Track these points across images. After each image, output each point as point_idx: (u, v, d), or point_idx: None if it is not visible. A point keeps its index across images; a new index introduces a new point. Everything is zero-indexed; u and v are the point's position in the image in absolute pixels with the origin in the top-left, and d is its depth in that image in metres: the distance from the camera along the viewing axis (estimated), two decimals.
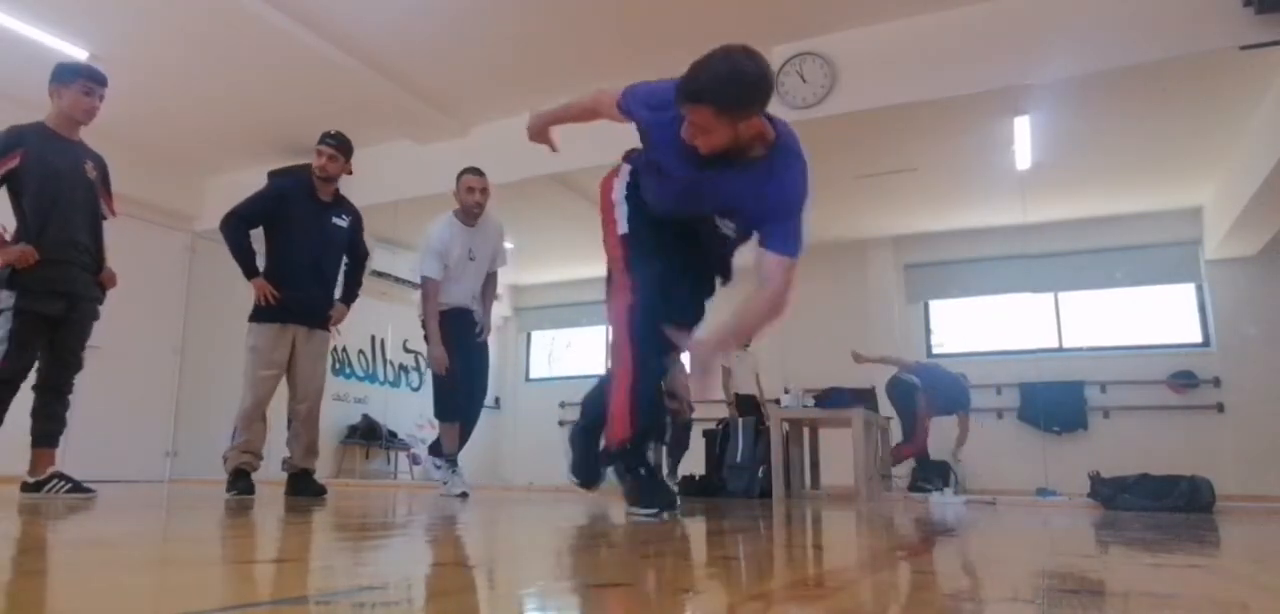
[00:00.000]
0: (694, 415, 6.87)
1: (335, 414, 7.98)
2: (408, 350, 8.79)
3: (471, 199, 4.29)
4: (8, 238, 3.35)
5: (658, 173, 2.46)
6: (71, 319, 3.46)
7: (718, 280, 2.64)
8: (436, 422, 4.42)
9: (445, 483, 4.34)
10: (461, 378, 4.28)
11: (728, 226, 2.43)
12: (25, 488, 3.28)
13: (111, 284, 3.66)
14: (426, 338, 4.31)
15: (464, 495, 4.17)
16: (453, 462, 4.35)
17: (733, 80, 2.12)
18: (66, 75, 3.50)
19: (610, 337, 2.65)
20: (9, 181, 3.35)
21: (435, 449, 4.46)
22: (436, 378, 4.30)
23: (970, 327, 7.12)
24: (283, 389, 3.97)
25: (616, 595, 0.99)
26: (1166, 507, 3.81)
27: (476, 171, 4.40)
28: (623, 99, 2.50)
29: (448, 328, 4.29)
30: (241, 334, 3.99)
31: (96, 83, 3.52)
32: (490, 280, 4.59)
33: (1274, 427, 5.54)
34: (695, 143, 2.21)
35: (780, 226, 2.31)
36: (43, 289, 3.34)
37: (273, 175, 4.93)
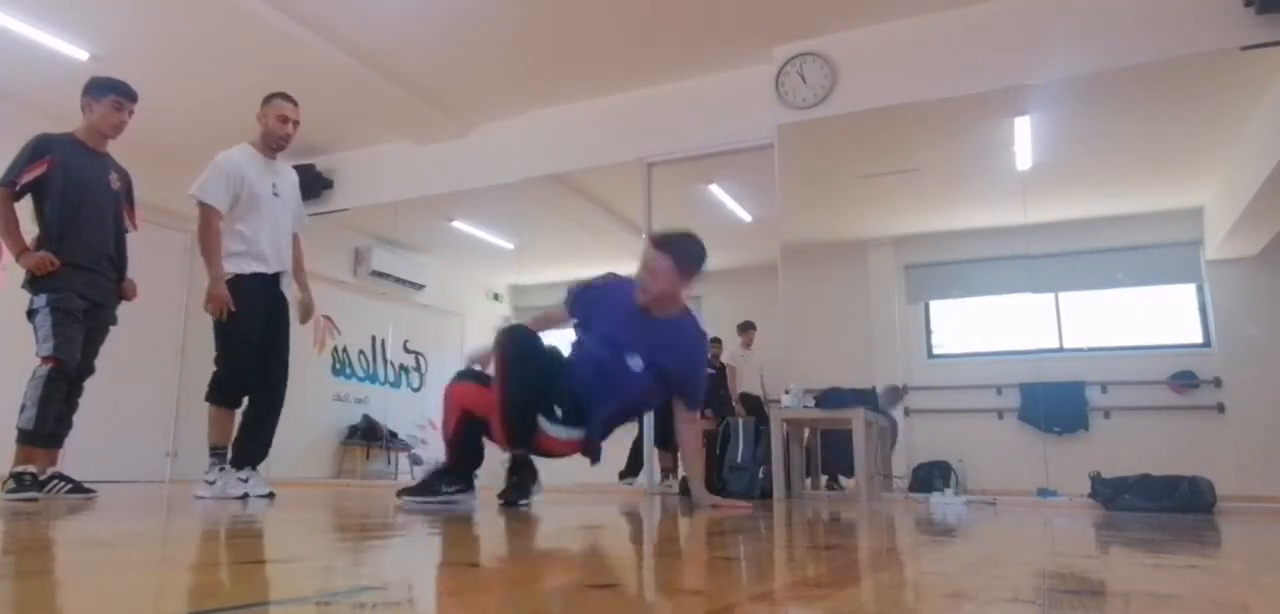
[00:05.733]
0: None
1: (335, 414, 7.99)
2: (408, 351, 8.80)
3: (284, 128, 3.71)
4: (29, 244, 3.41)
5: (605, 310, 3.19)
6: (90, 325, 3.51)
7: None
8: (209, 406, 3.61)
9: (212, 482, 3.50)
10: (265, 359, 3.59)
11: (636, 362, 3.00)
12: (9, 489, 3.27)
13: (132, 295, 3.73)
14: (213, 281, 3.51)
15: (245, 497, 3.44)
16: (223, 456, 3.54)
17: (696, 251, 3.07)
18: (99, 90, 3.59)
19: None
20: (34, 189, 3.40)
21: (210, 451, 3.58)
22: (227, 346, 3.54)
23: (970, 327, 7.11)
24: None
25: (616, 595, 0.99)
26: (1167, 507, 3.81)
27: (293, 100, 3.79)
28: (570, 299, 3.35)
29: (252, 295, 3.55)
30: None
31: (127, 99, 3.63)
32: (297, 243, 3.91)
33: (1275, 427, 5.54)
34: (644, 280, 3.02)
35: (694, 388, 3.16)
36: (70, 291, 3.41)
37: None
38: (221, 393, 3.60)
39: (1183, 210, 6.36)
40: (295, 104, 3.82)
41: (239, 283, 3.54)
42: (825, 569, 1.31)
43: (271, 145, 3.76)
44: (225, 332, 3.54)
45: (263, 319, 3.61)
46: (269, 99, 3.81)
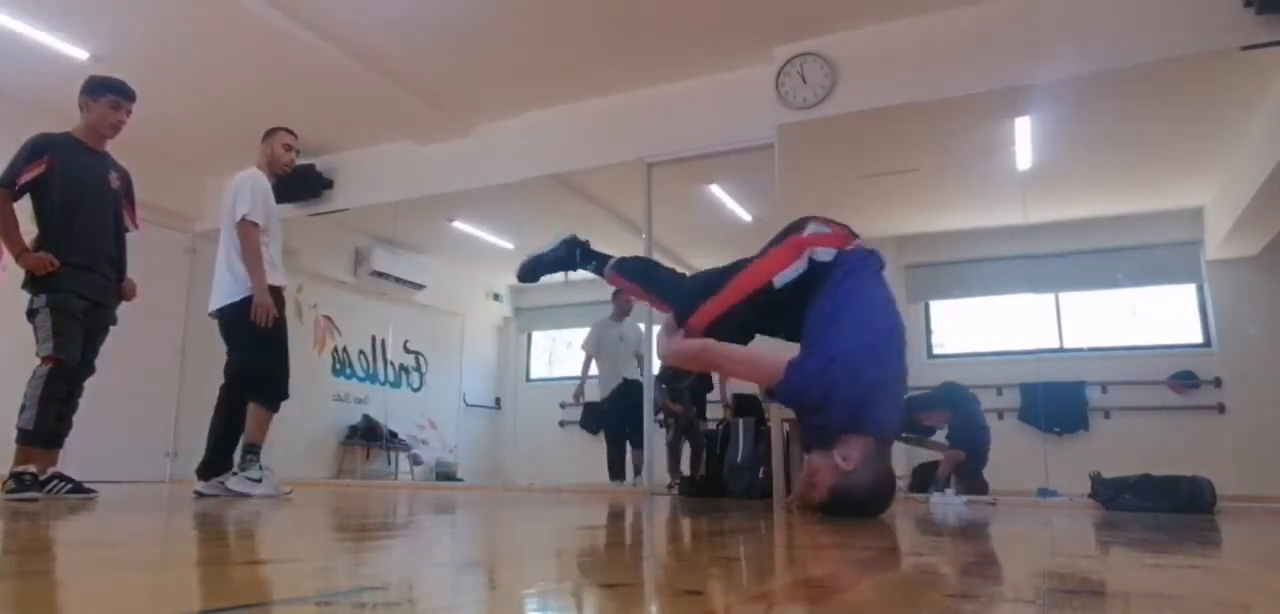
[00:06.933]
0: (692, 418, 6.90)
1: (336, 414, 7.99)
2: (408, 351, 8.80)
3: (289, 155, 4.09)
4: (29, 245, 3.41)
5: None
6: (90, 325, 3.51)
7: None
8: (263, 409, 3.82)
9: (261, 481, 3.74)
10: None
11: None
12: (9, 489, 3.26)
13: (132, 295, 3.74)
14: (260, 290, 3.75)
15: (289, 494, 3.79)
16: (259, 454, 3.79)
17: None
18: (97, 89, 3.58)
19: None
20: (33, 189, 3.40)
21: (253, 450, 3.78)
22: (273, 351, 3.83)
23: (970, 327, 7.11)
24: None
25: (616, 595, 0.99)
26: (1167, 507, 3.81)
27: (294, 133, 4.17)
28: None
29: (278, 306, 3.87)
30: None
31: (125, 98, 3.62)
32: None
33: (1275, 427, 5.53)
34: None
35: None
36: (70, 291, 3.40)
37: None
38: (271, 395, 3.83)
39: (1183, 210, 6.36)
40: (296, 135, 4.18)
41: (274, 293, 3.83)
42: (825, 569, 1.31)
43: (277, 172, 4.05)
44: (271, 338, 3.80)
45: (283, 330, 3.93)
46: (273, 132, 4.09)
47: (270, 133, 4.09)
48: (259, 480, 3.72)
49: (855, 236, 2.92)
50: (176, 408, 6.96)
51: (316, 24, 4.98)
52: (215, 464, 3.80)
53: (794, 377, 2.62)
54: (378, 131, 6.59)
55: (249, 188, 3.83)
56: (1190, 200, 6.32)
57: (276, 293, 3.85)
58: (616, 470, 6.41)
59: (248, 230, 3.75)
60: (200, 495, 3.70)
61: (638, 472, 6.24)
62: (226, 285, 3.81)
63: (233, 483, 3.71)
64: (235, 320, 3.77)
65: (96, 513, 2.50)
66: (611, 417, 6.53)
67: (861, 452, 2.53)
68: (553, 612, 0.91)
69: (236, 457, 3.81)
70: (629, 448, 6.37)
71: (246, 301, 3.73)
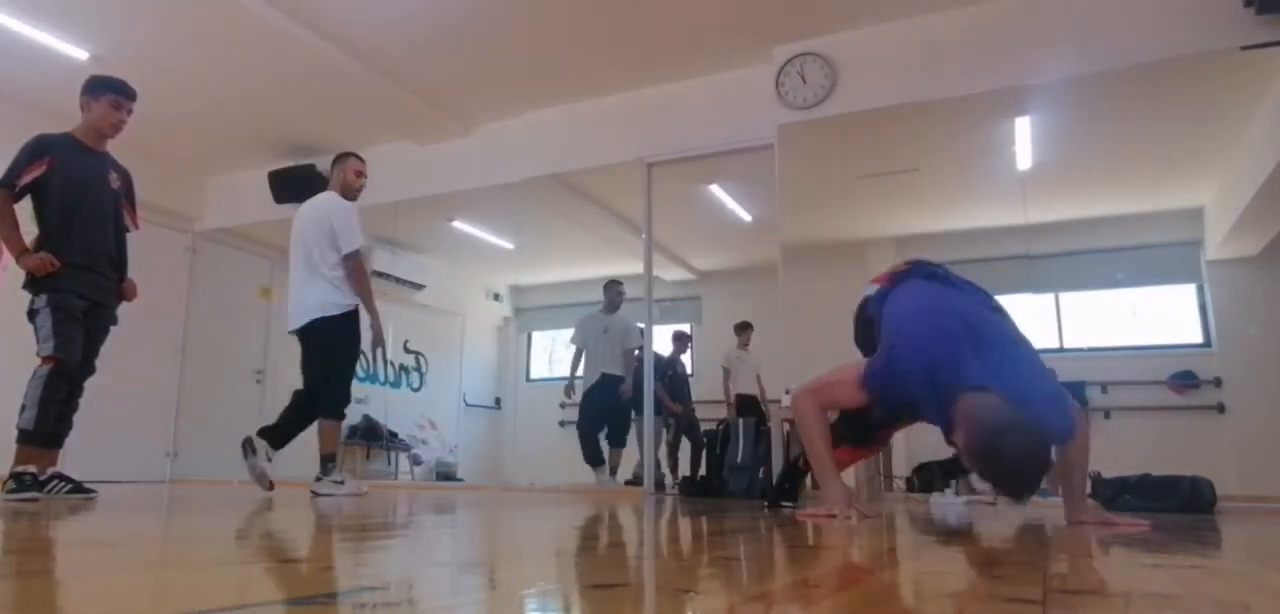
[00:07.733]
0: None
1: None
2: (408, 350, 8.80)
3: (360, 182, 4.33)
4: (29, 245, 3.41)
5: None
6: (90, 325, 3.51)
7: None
8: (331, 421, 4.14)
9: (344, 483, 4.14)
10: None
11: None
12: (9, 489, 3.27)
13: (132, 295, 3.74)
14: (370, 314, 4.20)
15: (366, 491, 4.20)
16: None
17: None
18: (97, 89, 3.58)
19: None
20: (33, 190, 3.40)
21: (330, 459, 4.14)
22: (350, 367, 4.20)
23: None
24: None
25: (616, 595, 0.99)
26: (1167, 507, 3.81)
27: (362, 158, 4.41)
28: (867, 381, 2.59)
29: (356, 326, 4.20)
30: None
31: (125, 98, 3.62)
32: None
33: (1275, 427, 5.53)
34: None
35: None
36: (70, 291, 3.41)
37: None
38: (343, 408, 4.16)
39: (1183, 210, 6.36)
40: (364, 161, 4.43)
41: (350, 315, 4.15)
42: (825, 569, 1.31)
43: (350, 196, 4.27)
44: (352, 356, 4.17)
45: None
46: (344, 157, 4.34)
47: (341, 158, 4.31)
48: (342, 483, 4.09)
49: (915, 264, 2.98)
50: (176, 408, 6.95)
51: (316, 24, 4.98)
52: (276, 434, 4.10)
53: (869, 384, 2.54)
54: (378, 131, 6.59)
55: (355, 219, 4.08)
56: (1190, 200, 6.31)
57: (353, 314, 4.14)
58: (590, 458, 6.34)
59: (360, 263, 4.05)
60: (249, 447, 3.99)
61: (613, 471, 6.25)
62: (322, 299, 4.04)
63: (320, 487, 4.02)
64: (328, 334, 4.03)
65: (96, 513, 2.50)
66: (583, 410, 6.46)
67: (967, 424, 2.27)
68: (553, 612, 0.91)
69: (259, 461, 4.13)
70: (608, 447, 6.35)
71: (344, 318, 4.02)
